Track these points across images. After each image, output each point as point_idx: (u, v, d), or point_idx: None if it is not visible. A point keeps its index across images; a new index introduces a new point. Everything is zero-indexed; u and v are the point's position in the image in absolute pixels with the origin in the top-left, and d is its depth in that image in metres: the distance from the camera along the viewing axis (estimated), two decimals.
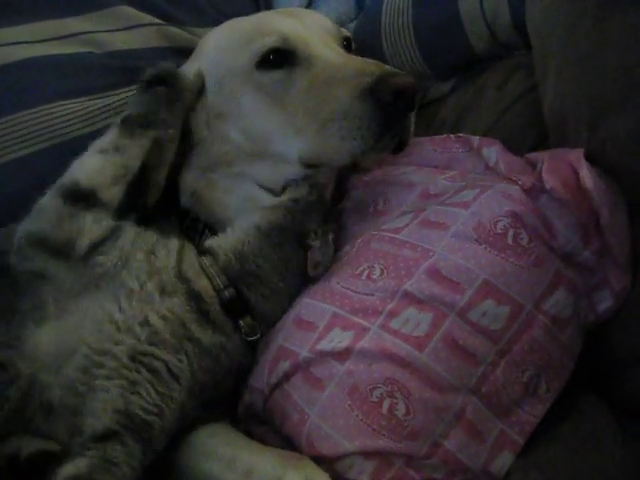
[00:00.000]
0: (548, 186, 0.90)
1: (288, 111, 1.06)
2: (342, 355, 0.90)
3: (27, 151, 1.07)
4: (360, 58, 1.10)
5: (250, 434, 0.98)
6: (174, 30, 1.22)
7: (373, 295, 0.93)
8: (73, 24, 1.15)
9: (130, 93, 1.16)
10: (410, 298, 0.91)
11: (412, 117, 1.06)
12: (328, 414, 0.89)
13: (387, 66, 1.04)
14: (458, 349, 0.88)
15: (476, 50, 1.14)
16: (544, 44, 0.96)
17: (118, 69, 1.16)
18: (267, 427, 0.99)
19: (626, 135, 0.87)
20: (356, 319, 0.92)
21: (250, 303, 0.99)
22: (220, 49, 1.13)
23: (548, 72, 0.96)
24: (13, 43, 1.10)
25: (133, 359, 0.89)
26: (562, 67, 0.93)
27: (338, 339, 0.92)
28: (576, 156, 0.91)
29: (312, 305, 0.98)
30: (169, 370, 0.91)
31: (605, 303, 0.94)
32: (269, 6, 1.36)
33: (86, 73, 1.13)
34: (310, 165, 1.07)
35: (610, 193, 0.91)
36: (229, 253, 0.99)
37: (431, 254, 0.93)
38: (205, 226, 1.13)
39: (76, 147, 1.09)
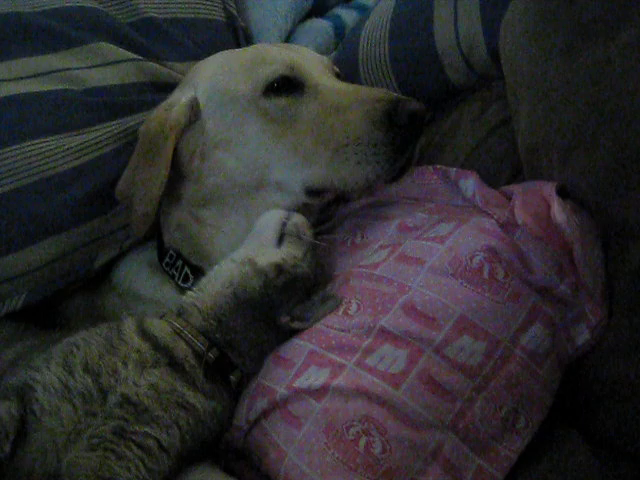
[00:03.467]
0: (520, 221, 0.90)
1: (295, 138, 1.07)
2: (318, 393, 0.90)
3: (7, 188, 1.07)
4: (365, 87, 1.12)
5: (230, 470, 0.97)
6: (152, 65, 1.22)
7: (349, 332, 0.93)
8: (51, 61, 1.16)
9: (108, 129, 1.16)
10: (386, 334, 0.91)
11: (418, 144, 1.07)
12: (305, 452, 0.89)
13: (394, 93, 1.05)
14: (434, 386, 0.88)
15: (453, 81, 1.14)
16: (516, 78, 0.96)
17: (97, 105, 1.16)
18: (246, 463, 0.98)
19: (597, 170, 0.87)
20: (332, 356, 0.92)
21: (234, 362, 0.97)
22: (219, 77, 1.14)
23: (520, 106, 0.96)
24: None
25: (121, 436, 0.86)
26: (533, 101, 0.94)
27: (314, 377, 0.91)
28: (549, 190, 0.91)
29: (290, 342, 0.98)
30: (160, 446, 0.88)
31: (583, 337, 0.94)
32: (249, 40, 1.36)
33: (65, 110, 1.13)
34: (314, 193, 1.08)
35: (583, 228, 0.91)
36: (210, 320, 0.96)
37: (407, 289, 0.93)
38: (185, 263, 1.13)
39: (56, 184, 1.10)
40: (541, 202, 0.91)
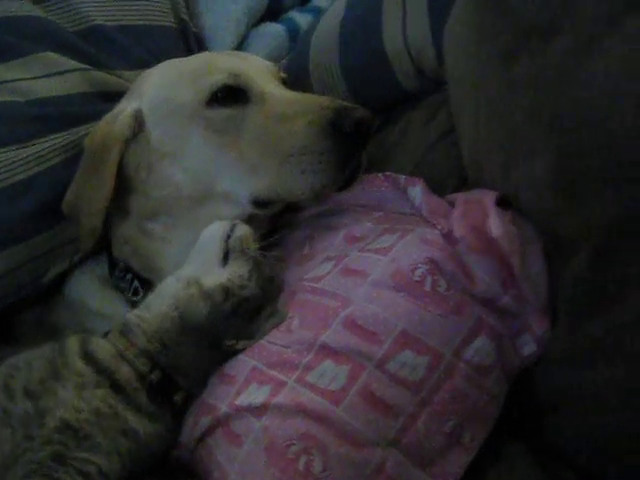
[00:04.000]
0: (457, 234, 0.88)
1: (240, 149, 1.05)
2: (259, 410, 0.88)
3: None
4: (310, 94, 1.10)
5: None
6: (100, 74, 1.20)
7: (290, 348, 0.92)
8: None
9: (56, 141, 1.14)
10: (327, 350, 0.89)
11: (365, 152, 1.05)
12: (246, 471, 0.87)
13: (339, 100, 1.04)
14: (375, 402, 0.86)
15: (404, 86, 1.12)
16: (458, 86, 0.94)
17: (43, 117, 1.13)
18: None
19: (537, 181, 0.85)
20: (274, 373, 0.91)
21: (178, 383, 0.96)
22: (163, 87, 1.11)
23: (462, 115, 0.94)
24: None
25: (60, 462, 0.84)
26: (475, 110, 0.92)
27: (255, 394, 0.90)
28: (488, 200, 0.89)
29: (234, 357, 0.97)
30: (100, 471, 0.86)
31: (528, 347, 0.92)
32: (201, 46, 1.34)
33: (10, 122, 1.11)
34: (262, 203, 1.06)
35: (524, 239, 0.89)
36: (155, 342, 0.94)
37: (349, 303, 0.92)
38: (135, 277, 1.12)
39: (3, 197, 1.09)
40: (480, 214, 0.89)
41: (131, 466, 0.91)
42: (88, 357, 0.91)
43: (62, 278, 1.19)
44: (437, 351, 0.88)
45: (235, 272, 0.96)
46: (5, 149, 1.10)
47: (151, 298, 0.99)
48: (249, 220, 1.11)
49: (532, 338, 0.92)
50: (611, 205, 0.79)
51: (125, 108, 1.11)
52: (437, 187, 1.05)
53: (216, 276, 0.96)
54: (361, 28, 1.14)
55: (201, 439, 0.94)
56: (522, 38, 0.85)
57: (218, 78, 1.05)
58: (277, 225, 1.18)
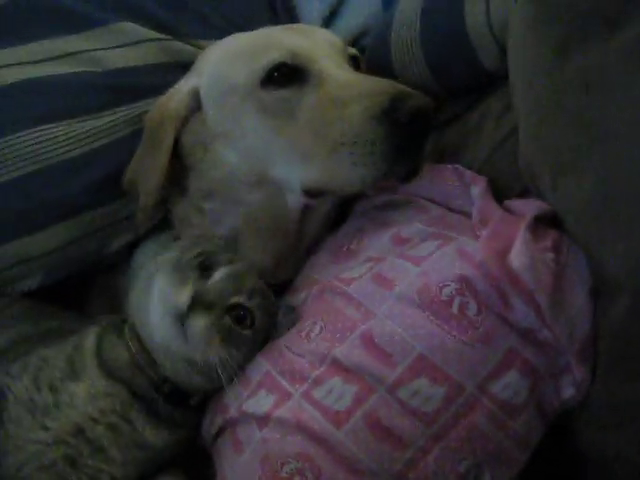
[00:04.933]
0: (478, 258, 0.76)
1: (293, 133, 0.97)
2: (262, 420, 0.84)
3: (20, 173, 1.08)
4: (372, 77, 1.00)
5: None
6: (177, 44, 1.16)
7: (304, 357, 0.86)
8: (71, 43, 1.13)
9: (127, 112, 1.13)
10: (338, 366, 0.82)
11: (427, 142, 0.96)
12: None
13: (401, 85, 0.94)
14: (381, 430, 0.79)
15: (486, 67, 0.98)
16: (513, 83, 0.81)
17: (115, 88, 1.12)
18: None
19: (580, 198, 0.71)
20: (283, 382, 0.85)
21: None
22: (220, 65, 1.06)
23: (518, 114, 0.81)
24: (8, 65, 1.10)
25: (73, 466, 0.85)
26: (526, 111, 0.79)
27: (262, 402, 0.86)
28: (523, 220, 0.77)
29: (254, 358, 0.92)
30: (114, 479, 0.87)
31: (568, 391, 0.80)
32: (290, 12, 1.26)
33: (83, 93, 1.11)
34: (313, 194, 1.00)
35: (565, 268, 0.76)
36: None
37: (371, 317, 0.84)
38: None
39: (68, 168, 1.10)
40: (510, 236, 0.76)
41: (151, 468, 0.91)
42: (103, 364, 0.90)
43: (130, 248, 1.20)
44: (457, 382, 0.79)
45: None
46: (75, 119, 1.10)
47: None
48: (305, 209, 1.05)
49: (572, 381, 0.79)
50: None
51: (185, 85, 1.07)
52: (502, 189, 0.93)
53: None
54: (442, 2, 1.01)
55: (216, 437, 0.92)
56: (582, 25, 0.70)
57: (274, 56, 0.98)
58: (344, 213, 1.10)
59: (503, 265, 0.75)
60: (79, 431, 0.85)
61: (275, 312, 0.92)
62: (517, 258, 0.74)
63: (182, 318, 0.83)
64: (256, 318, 0.88)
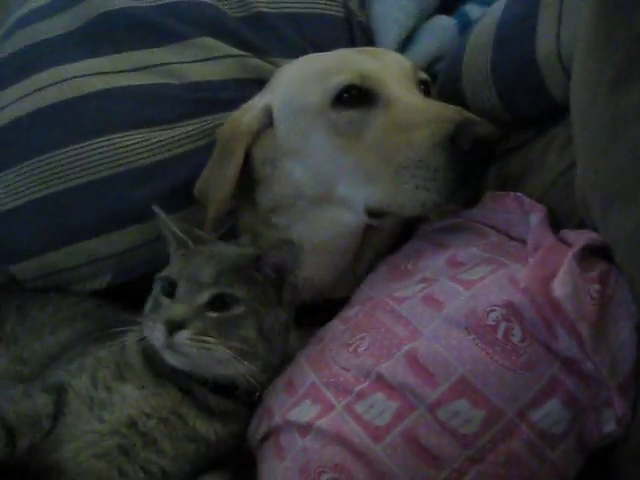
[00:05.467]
0: (522, 284, 0.77)
1: (360, 154, 1.01)
2: (304, 429, 0.86)
3: (96, 177, 1.14)
4: (439, 102, 1.03)
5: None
6: (254, 61, 1.21)
7: (350, 371, 0.88)
8: (155, 55, 1.19)
9: (202, 124, 1.18)
10: (381, 382, 0.84)
11: (489, 170, 0.97)
12: None
13: (467, 113, 0.96)
14: (418, 448, 0.79)
15: (554, 95, 0.98)
16: (572, 113, 0.81)
17: (192, 100, 1.18)
18: None
19: (630, 233, 0.71)
20: (327, 393, 0.88)
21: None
22: (294, 84, 1.10)
23: (576, 144, 0.81)
24: (95, 74, 1.17)
25: (126, 455, 0.89)
26: (583, 138, 0.79)
27: (306, 411, 0.88)
28: (571, 250, 0.77)
29: (302, 368, 0.95)
30: (164, 472, 0.90)
31: (610, 425, 0.78)
32: (367, 37, 1.29)
33: (161, 104, 1.17)
34: (375, 214, 1.02)
35: (610, 301, 0.75)
36: None
37: (417, 336, 0.85)
38: None
39: (140, 175, 1.16)
40: (557, 264, 0.77)
41: (202, 463, 0.94)
42: (149, 364, 0.94)
43: None
44: (496, 407, 0.79)
45: None
46: (152, 129, 1.16)
47: None
48: (367, 231, 1.07)
49: (613, 416, 0.78)
50: None
51: (258, 101, 1.12)
52: (560, 219, 0.93)
53: None
54: (515, 29, 1.02)
55: (261, 442, 0.94)
56: (636, 61, 0.70)
57: (345, 78, 1.01)
58: (405, 236, 1.12)
59: (546, 293, 0.75)
60: (132, 424, 0.89)
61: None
62: (560, 286, 0.74)
63: (169, 346, 0.87)
64: (235, 291, 0.90)
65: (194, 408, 0.92)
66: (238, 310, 0.89)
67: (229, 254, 0.95)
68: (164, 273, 0.95)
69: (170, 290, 0.91)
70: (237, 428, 0.97)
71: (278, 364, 0.98)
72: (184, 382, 0.92)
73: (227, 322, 0.88)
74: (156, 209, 1.00)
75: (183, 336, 0.86)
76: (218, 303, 0.89)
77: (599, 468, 0.83)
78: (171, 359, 0.89)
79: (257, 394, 0.97)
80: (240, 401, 0.97)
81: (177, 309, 0.88)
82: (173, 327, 0.86)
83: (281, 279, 0.95)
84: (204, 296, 0.88)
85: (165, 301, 0.91)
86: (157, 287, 0.94)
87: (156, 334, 0.87)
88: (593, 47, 0.75)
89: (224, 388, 0.94)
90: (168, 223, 0.99)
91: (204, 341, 0.86)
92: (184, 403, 0.92)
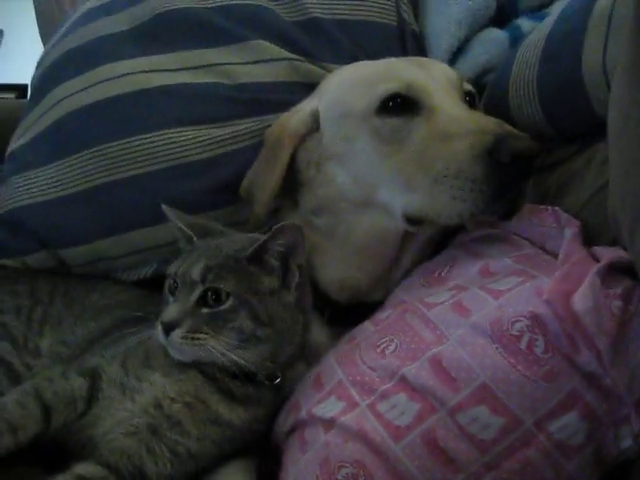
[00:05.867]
0: (546, 296, 0.78)
1: (401, 161, 1.03)
2: (328, 424, 0.89)
3: (145, 170, 1.19)
4: (482, 114, 1.05)
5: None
6: (306, 66, 1.24)
7: (376, 371, 0.90)
8: (211, 55, 1.23)
9: (250, 125, 1.22)
10: (405, 383, 0.86)
11: (527, 184, 0.99)
12: (299, 478, 0.89)
13: (508, 126, 0.98)
14: (437, 450, 0.82)
15: (597, 113, 0.99)
16: (608, 129, 0.82)
17: (243, 101, 1.21)
18: None
19: None
20: (352, 391, 0.90)
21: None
22: (341, 90, 1.13)
23: (610, 162, 0.82)
24: (152, 70, 1.22)
25: (154, 433, 0.92)
26: (614, 160, 0.80)
27: (330, 407, 0.91)
28: (596, 266, 0.78)
29: (331, 366, 0.98)
30: (190, 454, 0.94)
31: (626, 441, 0.79)
32: (419, 47, 1.30)
33: (213, 103, 1.21)
34: (413, 221, 1.05)
35: (619, 320, 0.76)
36: None
37: (443, 341, 0.87)
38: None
39: (189, 171, 1.20)
40: (581, 278, 0.78)
41: (228, 448, 0.97)
42: None
43: None
44: (515, 415, 0.80)
45: None
46: (204, 126, 1.20)
47: None
48: (405, 237, 1.10)
49: (630, 432, 0.79)
50: None
51: (307, 105, 1.15)
52: (595, 236, 0.93)
53: None
54: (563, 45, 1.03)
55: (287, 435, 0.98)
56: None
57: (391, 86, 1.04)
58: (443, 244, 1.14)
59: (567, 306, 0.77)
60: (158, 406, 0.93)
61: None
62: (580, 301, 0.75)
63: (170, 345, 0.93)
64: (224, 285, 0.93)
65: (217, 393, 0.96)
66: (227, 304, 0.92)
67: (224, 247, 0.98)
68: (168, 271, 0.99)
69: (175, 286, 0.96)
70: (261, 412, 1.00)
71: (298, 348, 1.01)
72: (206, 369, 0.96)
73: (219, 316, 0.92)
74: (164, 207, 1.04)
75: (177, 335, 0.91)
76: (210, 298, 0.93)
77: None
78: (173, 354, 0.95)
79: (278, 379, 1.00)
80: (263, 386, 0.99)
81: (171, 310, 0.93)
82: (168, 327, 0.92)
83: (286, 263, 0.97)
84: (195, 294, 0.93)
85: (170, 299, 0.96)
86: (166, 284, 0.98)
87: (158, 333, 0.93)
88: (629, 66, 0.75)
89: (244, 374, 0.97)
90: (174, 218, 1.04)
91: (196, 338, 0.91)
92: (207, 388, 0.95)
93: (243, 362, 0.93)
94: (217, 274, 0.93)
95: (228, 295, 0.92)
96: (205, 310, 0.92)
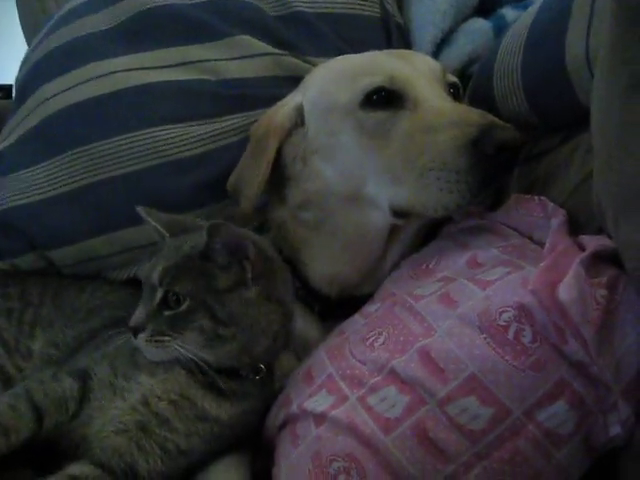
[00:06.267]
0: (531, 286, 0.78)
1: (386, 154, 1.03)
2: (319, 418, 0.90)
3: (135, 168, 1.19)
4: (465, 106, 1.05)
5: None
6: (291, 60, 1.24)
7: (365, 364, 0.90)
8: (194, 52, 1.23)
9: (237, 120, 1.22)
10: (394, 376, 0.87)
11: (514, 173, 0.99)
12: (291, 473, 0.90)
13: (492, 117, 0.98)
14: (427, 441, 0.82)
15: (581, 101, 0.99)
16: (591, 117, 0.82)
17: (229, 97, 1.22)
18: None
19: (638, 244, 0.72)
20: (342, 385, 0.91)
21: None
22: (325, 84, 1.13)
23: (594, 150, 0.82)
24: (137, 68, 1.22)
25: (144, 431, 0.93)
26: (597, 148, 0.80)
27: (321, 401, 0.91)
28: (580, 256, 0.78)
29: (321, 360, 0.98)
30: (179, 450, 0.94)
31: (615, 429, 0.80)
32: (404, 38, 1.30)
33: (198, 99, 1.21)
34: (400, 214, 1.05)
35: (617, 306, 0.76)
36: None
37: (433, 333, 0.87)
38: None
39: (176, 168, 1.20)
40: (566, 268, 0.78)
41: (218, 444, 0.98)
42: None
43: None
44: (504, 405, 0.80)
45: None
46: (187, 124, 1.21)
47: None
48: (393, 230, 1.10)
49: (618, 419, 0.79)
50: None
51: (291, 99, 1.15)
52: (581, 225, 0.94)
53: None
54: (546, 32, 1.03)
55: (279, 429, 0.98)
56: None
57: (375, 80, 1.04)
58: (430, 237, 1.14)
59: (552, 296, 0.77)
60: (146, 403, 0.94)
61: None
62: (565, 290, 0.76)
63: (139, 347, 0.95)
64: (179, 287, 0.93)
65: (202, 389, 0.96)
66: (185, 305, 0.92)
67: (185, 246, 0.97)
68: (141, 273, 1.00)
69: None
70: (249, 406, 1.00)
71: (281, 339, 1.00)
72: (190, 366, 0.96)
73: (179, 318, 0.93)
74: (137, 208, 1.03)
75: (142, 338, 0.93)
76: (171, 300, 0.93)
77: (604, 472, 0.84)
78: (145, 355, 0.96)
79: (262, 372, 1.00)
80: (248, 380, 0.99)
81: (136, 314, 0.95)
82: (134, 331, 0.93)
83: (239, 259, 0.95)
84: (157, 297, 0.94)
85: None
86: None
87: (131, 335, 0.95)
88: (610, 51, 0.75)
89: (225, 369, 0.97)
90: (146, 217, 1.03)
91: (160, 340, 0.92)
92: (192, 385, 0.95)
93: (213, 359, 0.94)
94: (173, 276, 0.93)
95: (185, 297, 0.93)
96: (167, 313, 0.93)
